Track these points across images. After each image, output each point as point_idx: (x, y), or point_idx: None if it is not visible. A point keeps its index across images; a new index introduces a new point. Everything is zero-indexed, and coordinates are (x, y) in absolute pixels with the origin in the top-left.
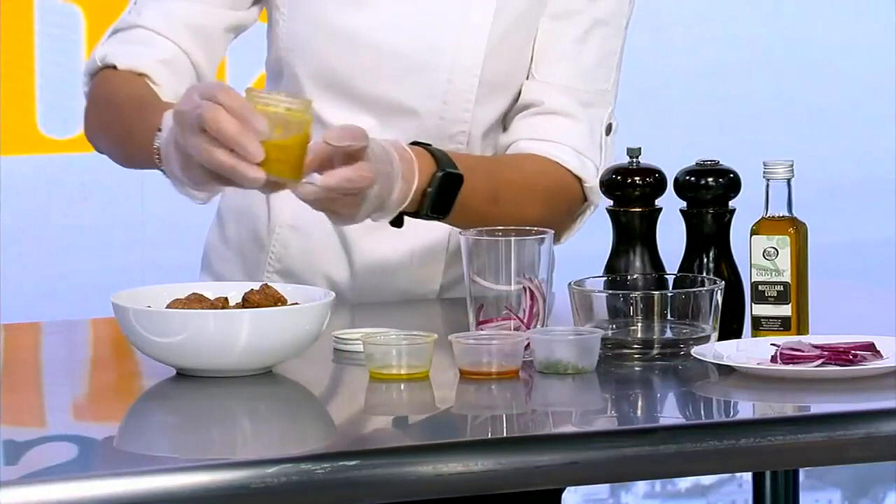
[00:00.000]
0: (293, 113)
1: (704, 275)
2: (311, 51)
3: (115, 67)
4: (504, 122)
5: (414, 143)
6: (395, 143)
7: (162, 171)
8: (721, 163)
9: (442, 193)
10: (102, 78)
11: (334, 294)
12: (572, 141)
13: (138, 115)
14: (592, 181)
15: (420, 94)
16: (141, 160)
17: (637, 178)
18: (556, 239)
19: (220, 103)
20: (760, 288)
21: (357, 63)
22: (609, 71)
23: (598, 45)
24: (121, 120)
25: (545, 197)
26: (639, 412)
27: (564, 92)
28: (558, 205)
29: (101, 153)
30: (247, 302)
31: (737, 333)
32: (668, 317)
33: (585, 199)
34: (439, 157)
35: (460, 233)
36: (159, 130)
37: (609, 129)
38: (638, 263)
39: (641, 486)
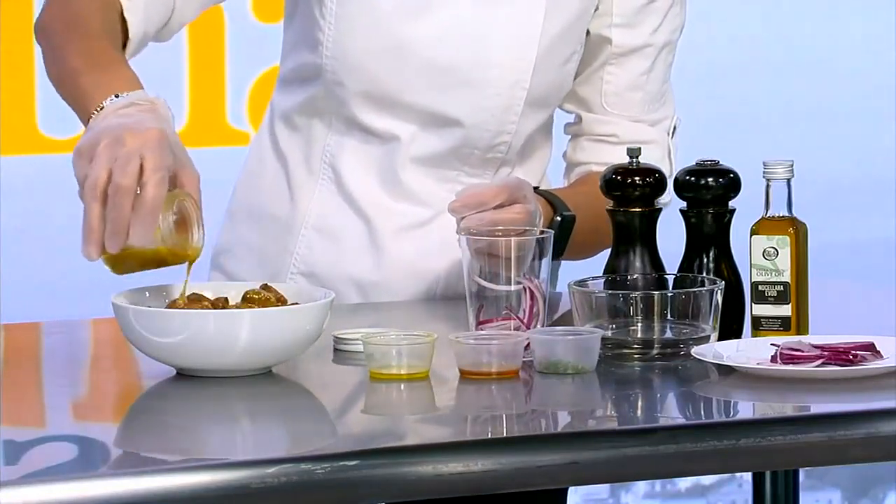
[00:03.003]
0: (163, 250)
1: (704, 275)
2: (361, 63)
3: None
4: (566, 131)
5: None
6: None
7: (84, 122)
8: (721, 163)
9: (560, 235)
10: None
11: (334, 294)
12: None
13: (99, 61)
14: (666, 198)
15: (467, 107)
16: (73, 95)
17: (637, 178)
18: None
19: (143, 187)
20: (760, 288)
21: (407, 76)
22: (669, 78)
23: (663, 67)
24: (80, 48)
25: None
26: (639, 412)
27: (636, 123)
28: None
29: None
30: (247, 302)
31: (737, 333)
32: (668, 317)
33: None
34: (552, 200)
35: (460, 233)
36: (116, 96)
37: (674, 131)
38: (638, 263)
39: (641, 486)
